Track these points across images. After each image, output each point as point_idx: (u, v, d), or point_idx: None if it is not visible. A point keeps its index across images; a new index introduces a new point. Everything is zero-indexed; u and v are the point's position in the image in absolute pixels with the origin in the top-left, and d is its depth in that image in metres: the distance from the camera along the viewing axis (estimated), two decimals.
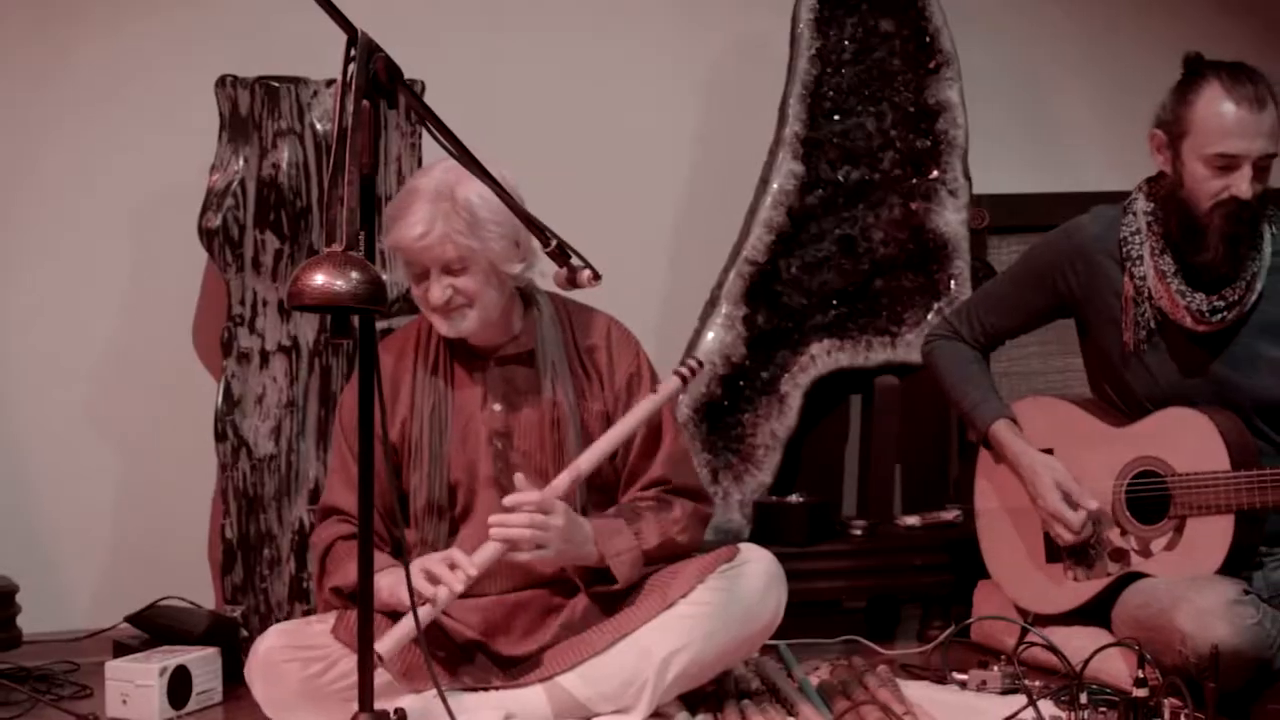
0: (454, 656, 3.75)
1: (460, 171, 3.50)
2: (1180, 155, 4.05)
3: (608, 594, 3.82)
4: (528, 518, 3.62)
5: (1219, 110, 3.98)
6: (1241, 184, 3.96)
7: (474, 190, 3.64)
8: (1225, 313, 4.05)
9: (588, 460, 3.72)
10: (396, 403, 3.89)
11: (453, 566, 3.60)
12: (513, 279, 3.81)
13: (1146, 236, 4.12)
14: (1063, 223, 4.37)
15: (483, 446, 3.86)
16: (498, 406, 3.88)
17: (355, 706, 3.06)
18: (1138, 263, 4.11)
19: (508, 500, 3.65)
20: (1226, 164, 3.98)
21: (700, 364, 3.85)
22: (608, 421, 3.90)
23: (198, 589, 4.63)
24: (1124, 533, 4.15)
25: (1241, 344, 4.10)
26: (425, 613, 3.51)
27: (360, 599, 3.06)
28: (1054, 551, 4.26)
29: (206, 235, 4.47)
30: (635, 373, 3.96)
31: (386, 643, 3.46)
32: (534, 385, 3.89)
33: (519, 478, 3.70)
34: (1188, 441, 4.03)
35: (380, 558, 3.60)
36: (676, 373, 3.77)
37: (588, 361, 3.94)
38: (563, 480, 3.68)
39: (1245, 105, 3.95)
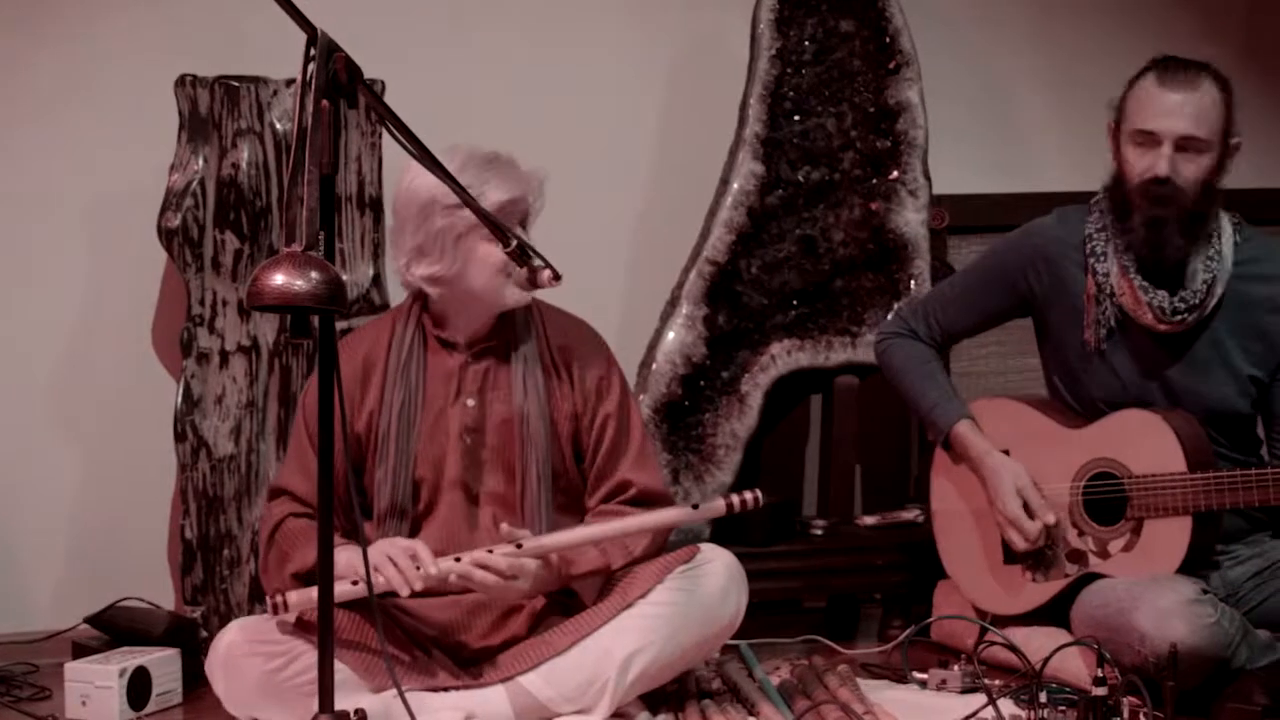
0: (415, 656, 3.74)
1: (492, 155, 3.64)
2: (1119, 141, 4.12)
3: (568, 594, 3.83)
4: (506, 564, 3.65)
5: (1145, 90, 4.07)
6: (1160, 162, 4.00)
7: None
8: (1186, 315, 4.06)
9: (557, 543, 3.75)
10: (366, 394, 3.89)
11: (415, 559, 3.60)
12: None
13: (1111, 234, 4.14)
14: (1023, 223, 4.39)
15: (452, 441, 3.86)
16: (470, 402, 3.88)
17: (315, 704, 3.06)
18: (1101, 259, 4.13)
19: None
20: (1145, 140, 4.05)
21: (758, 499, 3.84)
22: (576, 421, 3.92)
23: (157, 590, 4.62)
24: (1081, 534, 4.16)
25: (1200, 349, 4.12)
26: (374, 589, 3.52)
27: (320, 598, 3.05)
28: (1012, 553, 4.26)
29: (166, 235, 4.46)
30: (605, 376, 3.97)
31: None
32: (506, 382, 3.89)
33: (505, 528, 3.72)
34: (1144, 443, 4.05)
35: (336, 537, 3.59)
36: (726, 502, 3.79)
37: (559, 362, 3.95)
38: (530, 564, 3.70)
39: (1170, 86, 4.02)
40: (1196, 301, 4.06)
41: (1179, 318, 4.06)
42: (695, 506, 3.85)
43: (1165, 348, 4.13)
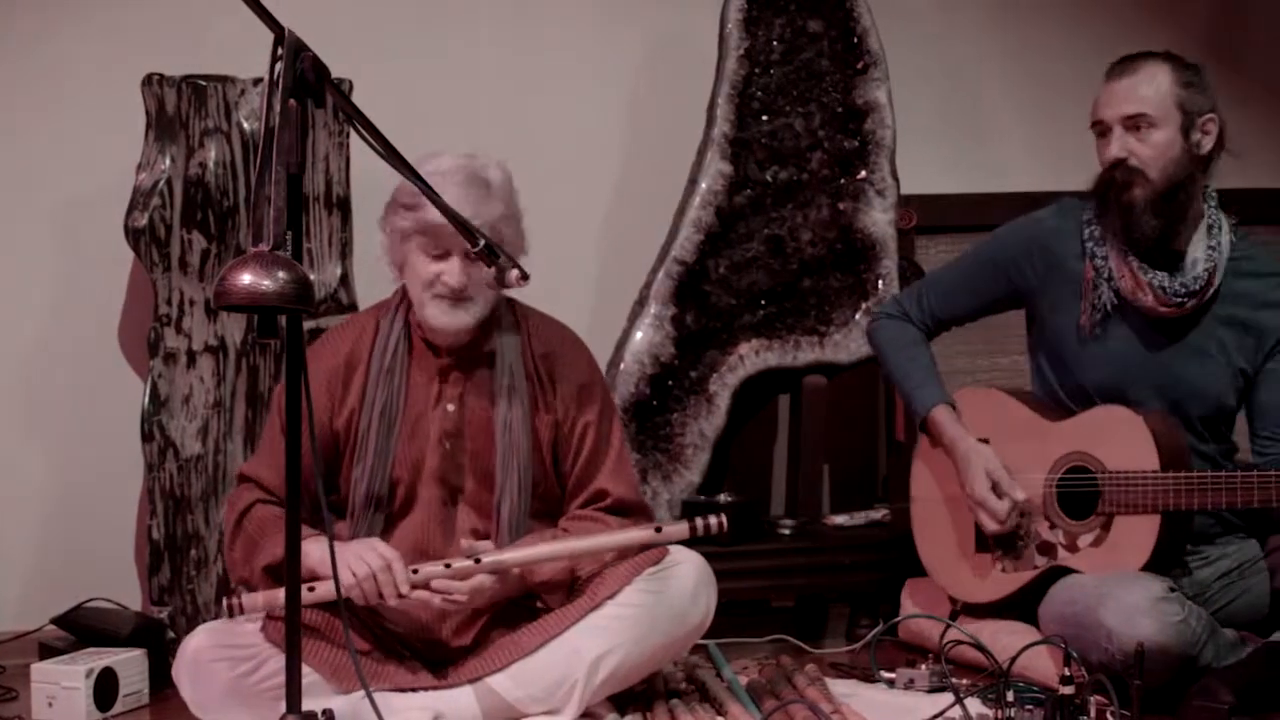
0: (382, 657, 3.74)
1: (479, 165, 3.52)
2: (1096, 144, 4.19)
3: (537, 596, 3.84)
4: (467, 587, 3.68)
5: (1101, 88, 4.16)
6: (1113, 145, 4.09)
7: (494, 179, 3.72)
8: (1186, 299, 4.08)
9: (516, 559, 3.76)
10: (349, 391, 3.87)
11: (389, 571, 3.60)
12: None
13: (1103, 220, 4.17)
14: (991, 222, 4.42)
15: (431, 445, 3.85)
16: (451, 407, 3.87)
17: (283, 707, 3.05)
18: (1100, 243, 4.15)
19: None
20: (1100, 131, 4.15)
21: (722, 524, 3.86)
22: (556, 429, 3.92)
23: (124, 590, 4.61)
24: (1053, 526, 4.17)
25: (1196, 337, 4.15)
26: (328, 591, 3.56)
27: (288, 598, 3.05)
28: (983, 541, 4.28)
29: (133, 234, 4.45)
30: (586, 385, 3.96)
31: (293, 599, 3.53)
32: (488, 388, 3.88)
33: (465, 544, 3.74)
34: (1120, 440, 4.06)
35: (304, 528, 3.58)
36: (690, 525, 3.83)
37: (542, 368, 3.93)
38: (487, 580, 3.72)
39: (1114, 76, 4.14)
40: (1197, 288, 4.08)
41: (1180, 300, 4.08)
42: (659, 529, 3.84)
43: (1162, 333, 4.15)
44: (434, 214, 3.61)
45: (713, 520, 3.82)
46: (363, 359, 3.89)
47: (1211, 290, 4.11)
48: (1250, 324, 4.16)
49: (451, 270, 3.74)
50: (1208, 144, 4.13)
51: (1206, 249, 4.12)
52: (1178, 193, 4.09)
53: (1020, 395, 4.36)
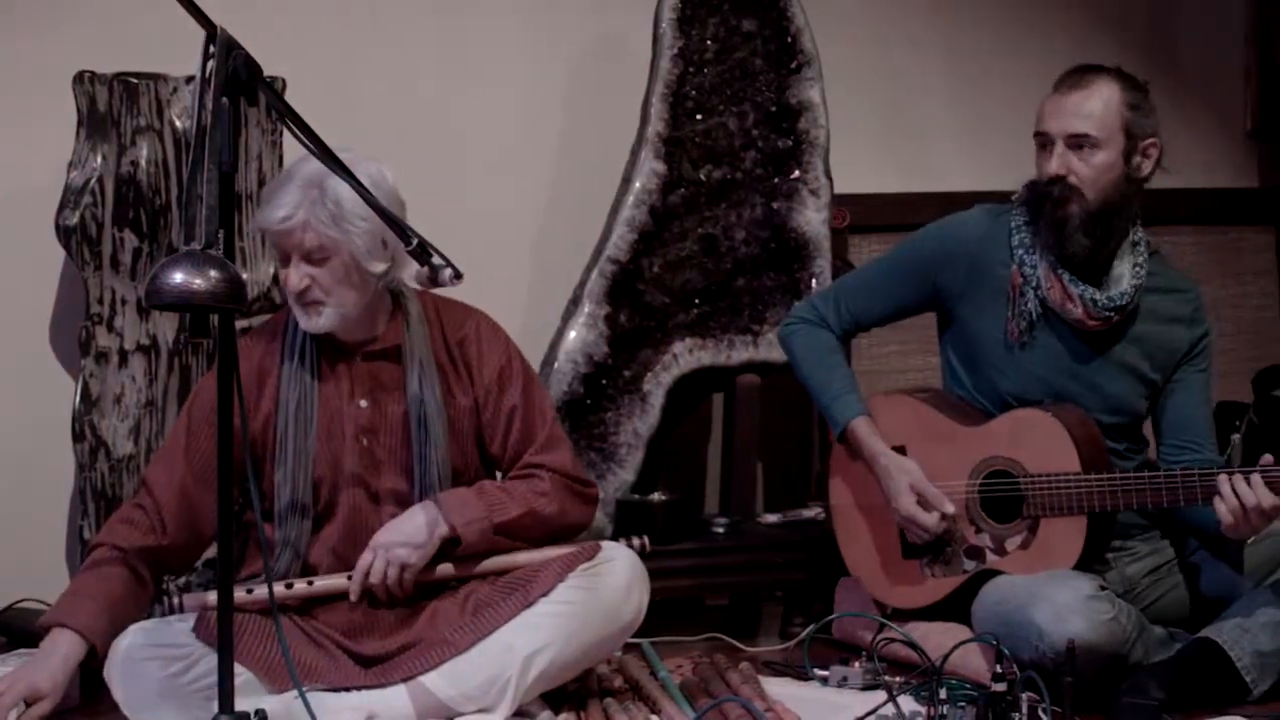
0: (315, 656, 3.73)
1: (346, 164, 3.50)
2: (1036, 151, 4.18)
3: (470, 593, 3.83)
4: (382, 564, 3.78)
5: (1047, 97, 4.15)
6: (1052, 161, 4.09)
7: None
8: (1113, 314, 4.11)
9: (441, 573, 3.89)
10: (262, 395, 3.87)
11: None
12: (376, 278, 3.81)
13: (1034, 231, 4.18)
14: (923, 222, 4.42)
15: (348, 442, 3.86)
16: (364, 403, 3.87)
17: (215, 707, 3.04)
18: (1029, 251, 4.16)
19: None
20: (1042, 143, 4.14)
21: (645, 546, 4.01)
22: (478, 415, 3.94)
23: (55, 591, 4.54)
24: (979, 531, 4.19)
25: (1117, 350, 4.17)
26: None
27: (220, 596, 3.04)
28: (910, 548, 4.29)
29: (64, 233, 4.42)
30: (506, 365, 3.98)
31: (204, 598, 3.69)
32: (399, 382, 3.89)
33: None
34: (1039, 443, 4.08)
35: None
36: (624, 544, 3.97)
37: (457, 355, 3.95)
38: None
39: (1062, 89, 4.12)
40: (1123, 303, 4.11)
41: (1108, 314, 4.10)
42: (582, 545, 3.88)
43: (1085, 345, 4.17)
44: (268, 215, 3.71)
45: (635, 542, 3.98)
46: (275, 362, 3.88)
47: (1133, 306, 4.14)
48: (1161, 339, 4.21)
49: (291, 275, 3.77)
50: (1147, 168, 4.15)
51: (1132, 266, 4.15)
52: (1111, 215, 4.11)
53: (932, 400, 4.35)
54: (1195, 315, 4.26)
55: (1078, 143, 4.06)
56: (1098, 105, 4.06)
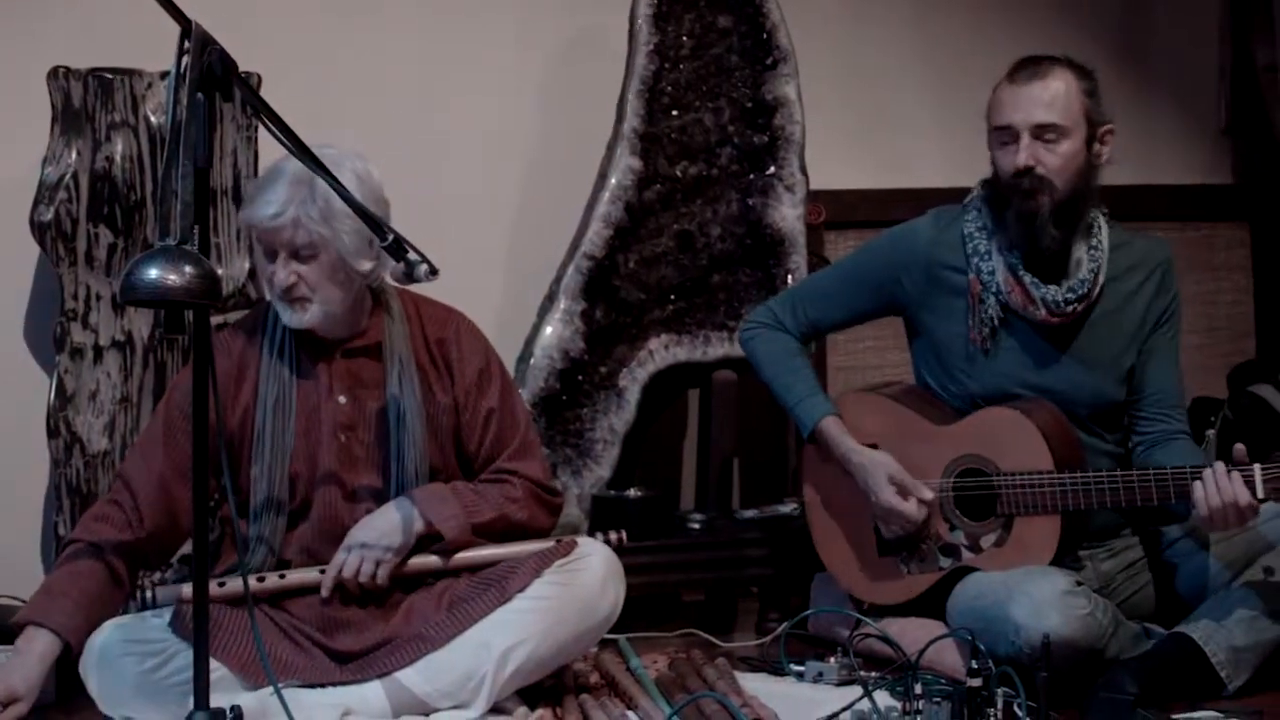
0: (291, 653, 3.72)
1: (329, 161, 3.51)
2: (990, 145, 4.17)
3: (446, 589, 3.83)
4: (357, 559, 3.79)
5: (1001, 89, 4.15)
6: (1020, 154, 4.07)
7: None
8: (1076, 305, 4.11)
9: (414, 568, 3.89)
10: (241, 389, 3.87)
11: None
12: (362, 276, 3.81)
13: (992, 233, 4.18)
14: (899, 218, 4.42)
15: (326, 438, 3.86)
16: (343, 399, 3.87)
17: (191, 703, 3.04)
18: (985, 257, 4.16)
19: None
20: (1005, 137, 4.12)
21: (622, 539, 4.03)
22: (457, 415, 3.95)
23: (30, 587, 4.54)
24: (953, 528, 4.19)
25: (1084, 341, 4.17)
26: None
27: (195, 592, 3.04)
28: (885, 545, 4.29)
29: (38, 229, 4.41)
30: (485, 367, 3.99)
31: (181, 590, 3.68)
32: (379, 379, 3.89)
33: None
34: (1012, 441, 4.09)
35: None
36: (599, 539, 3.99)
37: (437, 355, 3.96)
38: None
39: (1020, 80, 4.11)
40: (1084, 291, 4.11)
41: (1070, 308, 4.11)
42: (557, 542, 3.88)
43: (1052, 341, 4.17)
44: (256, 211, 3.71)
45: (612, 535, 3.99)
46: (255, 356, 3.88)
47: (1097, 290, 4.15)
48: (1128, 319, 4.21)
49: (279, 272, 3.76)
50: (1105, 154, 4.16)
51: (1089, 249, 4.15)
52: (1078, 203, 4.12)
53: (903, 398, 4.35)
54: (1164, 282, 4.25)
55: (1043, 133, 4.06)
56: (1060, 93, 4.07)
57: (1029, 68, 4.11)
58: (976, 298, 4.18)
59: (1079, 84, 4.10)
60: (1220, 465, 3.84)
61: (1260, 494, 3.80)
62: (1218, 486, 3.82)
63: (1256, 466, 3.81)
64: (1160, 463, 4.05)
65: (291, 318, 3.79)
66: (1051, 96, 4.06)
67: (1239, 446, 3.86)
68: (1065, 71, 4.10)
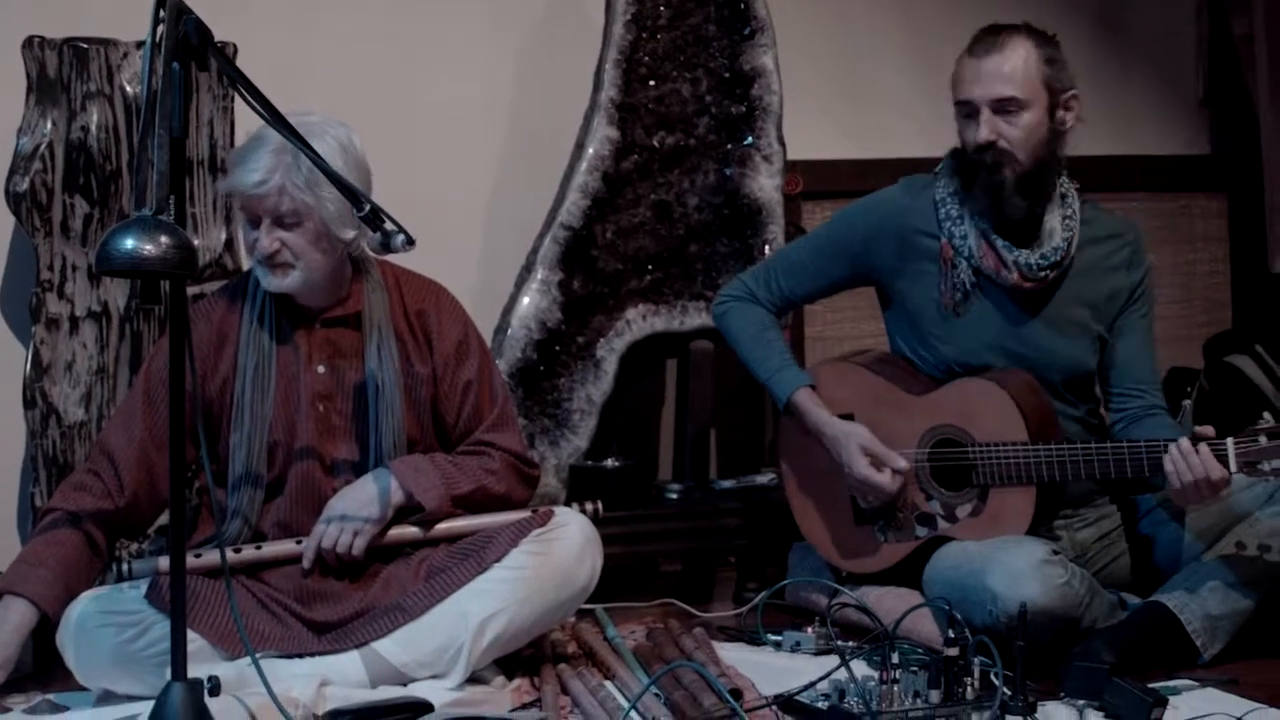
0: (269, 623, 3.72)
1: (313, 128, 3.49)
2: (956, 118, 4.19)
3: (424, 559, 3.83)
4: (335, 530, 3.80)
5: (961, 64, 4.17)
6: (981, 128, 4.09)
7: (320, 148, 3.62)
8: (1049, 271, 4.12)
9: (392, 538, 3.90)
10: (221, 358, 3.87)
11: None
12: (344, 244, 3.81)
13: (964, 199, 4.18)
14: (876, 187, 4.42)
15: (304, 408, 3.86)
16: (321, 369, 3.87)
17: (169, 673, 3.04)
18: (957, 222, 4.17)
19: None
20: (967, 112, 4.14)
21: (598, 510, 4.06)
22: (435, 386, 3.95)
23: (6, 558, 4.54)
24: (929, 498, 4.20)
25: (1056, 307, 4.18)
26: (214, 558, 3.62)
27: (172, 564, 3.04)
28: (861, 514, 4.30)
29: (13, 199, 4.40)
30: (464, 339, 3.99)
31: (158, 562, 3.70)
32: (358, 349, 3.90)
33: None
34: (986, 412, 4.10)
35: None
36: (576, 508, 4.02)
37: (416, 326, 3.96)
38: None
39: (978, 52, 4.11)
40: (1057, 258, 4.12)
41: (1043, 274, 4.12)
42: (534, 512, 3.89)
43: (1022, 306, 4.18)
44: (240, 179, 3.70)
45: (589, 508, 4.01)
46: (235, 324, 3.88)
47: (1068, 260, 4.16)
48: (1100, 289, 4.23)
49: (261, 237, 3.76)
50: (1070, 120, 4.16)
51: (1063, 219, 4.17)
52: (1043, 172, 4.12)
53: (878, 367, 4.36)
54: (1134, 258, 4.27)
55: (1003, 106, 4.07)
56: (1018, 65, 4.07)
57: (987, 40, 4.11)
58: (949, 262, 4.19)
59: (1038, 52, 4.09)
60: (1186, 441, 3.85)
61: (1234, 467, 3.81)
62: (1187, 463, 3.83)
63: (1229, 440, 3.82)
64: (1137, 438, 4.06)
65: (271, 282, 3.79)
66: (1011, 69, 4.06)
67: (1207, 428, 3.88)
68: (1024, 40, 4.09)
